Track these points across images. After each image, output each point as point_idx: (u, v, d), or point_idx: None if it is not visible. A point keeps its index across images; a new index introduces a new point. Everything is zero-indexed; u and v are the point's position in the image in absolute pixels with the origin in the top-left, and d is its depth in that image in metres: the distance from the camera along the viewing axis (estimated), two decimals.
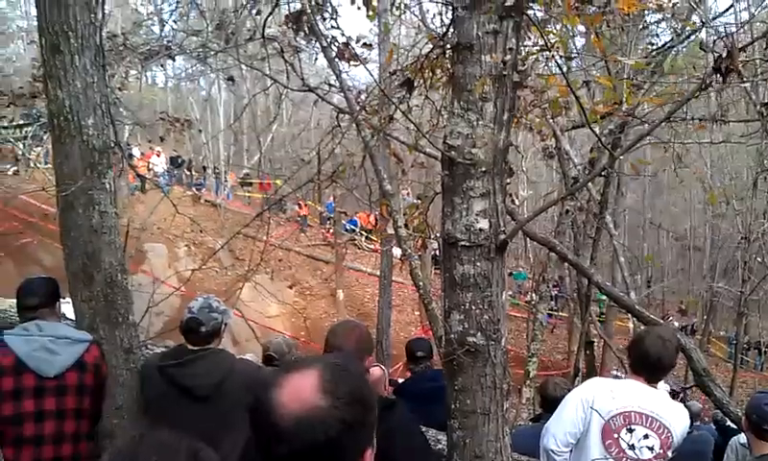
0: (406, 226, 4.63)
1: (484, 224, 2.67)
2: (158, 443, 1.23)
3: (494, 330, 2.74)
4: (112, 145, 3.51)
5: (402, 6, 3.41)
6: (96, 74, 3.34)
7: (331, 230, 28.29)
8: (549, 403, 4.42)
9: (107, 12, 3.70)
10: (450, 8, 2.84)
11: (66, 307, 3.67)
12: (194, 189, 29.04)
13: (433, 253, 20.70)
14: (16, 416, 3.23)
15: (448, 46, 3.07)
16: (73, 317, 3.75)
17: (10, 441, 3.22)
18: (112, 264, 3.50)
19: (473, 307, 2.72)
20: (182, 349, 3.53)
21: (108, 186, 3.46)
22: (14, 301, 4.25)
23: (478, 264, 2.68)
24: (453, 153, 2.62)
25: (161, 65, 8.84)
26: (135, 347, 3.70)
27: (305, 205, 29.59)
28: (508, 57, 2.61)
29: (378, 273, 19.97)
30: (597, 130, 3.99)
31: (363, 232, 29.03)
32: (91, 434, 3.53)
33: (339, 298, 24.78)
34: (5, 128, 8.87)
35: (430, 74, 3.52)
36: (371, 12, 4.18)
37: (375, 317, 20.99)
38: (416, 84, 3.56)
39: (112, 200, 3.51)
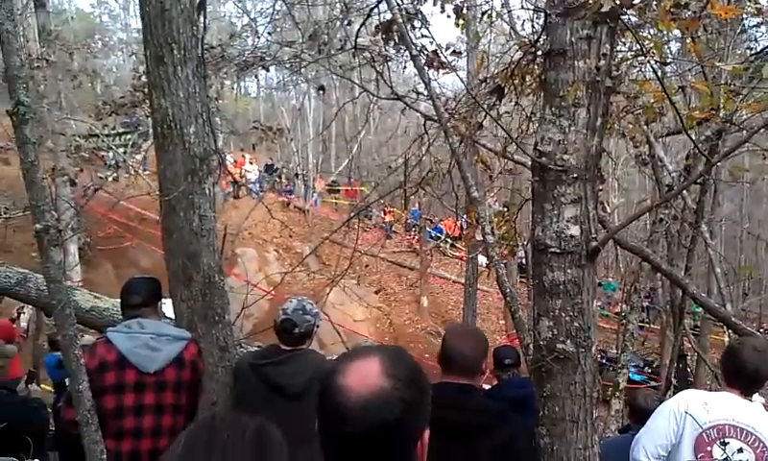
0: (493, 233, 4.63)
1: (575, 230, 2.65)
2: (231, 420, 1.32)
3: (585, 338, 2.72)
4: (212, 152, 3.66)
5: (494, 14, 3.42)
6: (197, 84, 3.48)
7: (417, 237, 28.38)
8: (638, 415, 4.33)
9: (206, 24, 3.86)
10: (543, 14, 2.84)
11: (166, 306, 3.85)
12: (284, 196, 29.73)
13: (519, 261, 20.48)
14: (118, 409, 3.39)
15: (539, 52, 3.07)
16: (172, 315, 3.93)
17: (111, 433, 3.36)
18: (210, 265, 3.65)
19: (563, 314, 2.70)
20: (276, 348, 3.65)
21: (207, 191, 3.61)
22: (116, 300, 4.49)
23: (569, 271, 2.67)
24: (544, 159, 2.62)
25: (255, 76, 9.09)
26: (230, 345, 3.83)
27: (391, 212, 29.81)
28: (602, 62, 2.59)
29: (463, 280, 19.92)
30: (693, 136, 3.88)
31: (448, 240, 28.97)
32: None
33: (423, 304, 24.80)
34: (107, 136, 9.35)
35: (520, 81, 3.51)
36: (461, 21, 4.20)
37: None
38: (506, 91, 3.57)
39: (211, 204, 3.65)
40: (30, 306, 10.34)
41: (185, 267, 3.59)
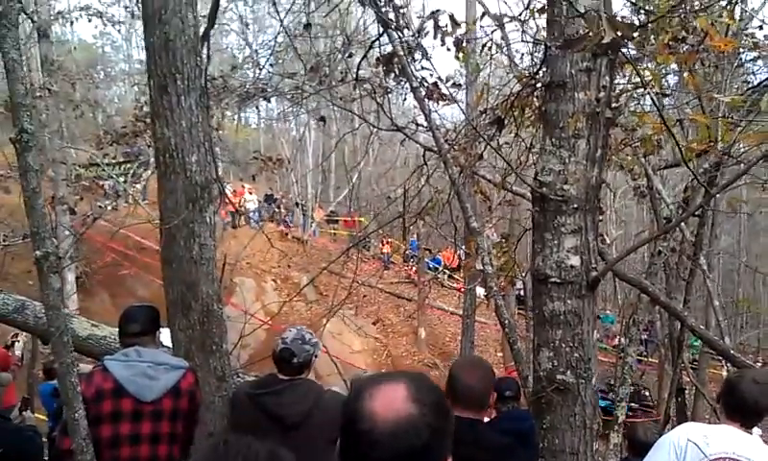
0: (492, 264, 4.64)
1: (575, 260, 2.66)
2: (243, 445, 1.31)
3: (585, 369, 2.71)
4: (213, 181, 3.67)
5: (494, 47, 3.46)
6: (200, 114, 3.51)
7: (414, 268, 28.35)
8: (638, 448, 4.30)
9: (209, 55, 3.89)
10: (543, 46, 2.87)
11: (163, 335, 3.83)
12: (282, 226, 29.76)
13: (517, 292, 20.44)
14: (114, 438, 3.35)
15: (539, 84, 3.10)
16: (170, 344, 3.91)
17: None
18: (209, 294, 3.64)
19: (563, 345, 2.70)
20: (274, 378, 3.62)
21: (208, 220, 3.62)
22: (114, 328, 4.47)
23: (569, 301, 2.67)
24: (545, 189, 2.63)
25: (256, 107, 9.16)
26: (228, 375, 3.82)
27: (389, 242, 29.82)
28: (601, 94, 2.62)
29: (461, 312, 19.86)
30: (692, 168, 3.91)
31: (446, 271, 28.94)
32: (183, 459, 3.65)
33: (421, 336, 24.69)
34: (108, 165, 9.39)
35: (520, 112, 3.54)
36: (461, 54, 4.24)
37: (456, 356, 20.82)
38: (506, 123, 3.59)
39: (212, 233, 3.66)
40: (23, 334, 10.31)
41: (184, 295, 3.59)
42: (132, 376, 3.37)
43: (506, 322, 4.29)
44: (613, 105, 2.81)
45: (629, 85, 3.48)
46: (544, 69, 2.90)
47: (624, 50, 2.89)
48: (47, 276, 2.89)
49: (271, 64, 7.55)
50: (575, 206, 2.61)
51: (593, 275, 2.63)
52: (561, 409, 2.74)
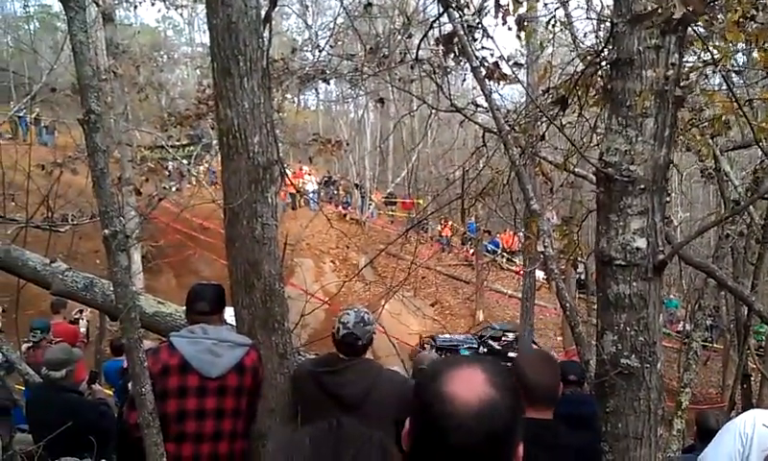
0: (552, 246, 4.57)
1: (641, 243, 2.60)
2: (356, 430, 1.29)
3: (650, 353, 2.65)
4: (275, 162, 3.70)
5: (558, 24, 3.38)
6: (262, 95, 3.54)
7: (472, 251, 28.21)
8: (706, 435, 4.20)
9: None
10: (608, 23, 2.80)
11: (226, 312, 3.90)
12: (340, 207, 29.95)
13: (577, 276, 20.15)
14: (180, 413, 3.44)
15: (603, 62, 3.02)
16: (232, 322, 3.97)
17: (172, 437, 3.41)
18: (271, 273, 3.68)
19: (628, 329, 2.64)
20: (335, 357, 3.65)
21: (270, 200, 3.65)
22: (179, 306, 4.58)
23: (634, 284, 2.61)
24: (610, 169, 2.57)
25: (315, 89, 9.21)
26: (289, 353, 3.86)
27: (447, 225, 29.70)
28: (670, 72, 2.53)
29: (519, 295, 19.64)
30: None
31: (505, 254, 28.70)
32: (246, 434, 3.72)
33: (479, 318, 24.61)
34: (173, 147, 9.58)
35: (584, 91, 3.46)
36: (523, 33, 4.17)
37: (516, 339, 20.65)
38: (569, 102, 3.52)
39: (273, 213, 3.69)
40: (87, 311, 10.63)
41: (247, 274, 3.64)
42: (198, 353, 3.44)
43: (567, 305, 4.23)
44: (682, 83, 2.72)
45: (698, 63, 3.36)
46: (610, 46, 2.82)
47: (693, 27, 2.79)
48: (115, 253, 2.97)
49: (330, 46, 7.58)
50: (642, 186, 2.54)
51: (660, 257, 2.57)
52: (625, 394, 2.69)
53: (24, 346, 8.33)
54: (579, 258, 4.76)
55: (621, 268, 2.61)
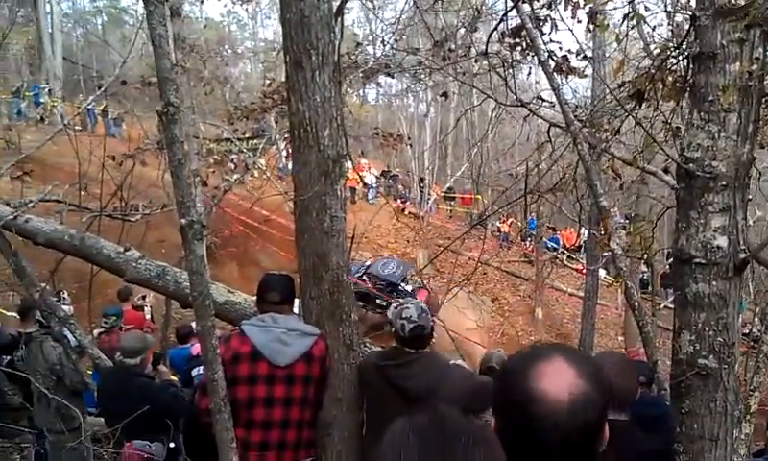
0: (620, 245, 4.48)
1: (722, 241, 2.53)
2: (459, 425, 1.25)
3: (728, 354, 2.59)
4: (344, 155, 3.74)
5: (635, 18, 3.31)
6: (333, 89, 3.57)
7: (532, 247, 27.86)
8: None
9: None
10: (688, 17, 2.73)
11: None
12: (399, 201, 29.97)
13: (641, 275, 19.72)
14: (250, 400, 3.52)
15: (681, 56, 2.96)
16: (296, 311, 4.02)
17: (242, 423, 3.50)
18: (339, 265, 3.72)
19: (706, 328, 2.58)
20: (400, 350, 3.67)
21: (339, 193, 3.69)
22: (248, 295, 4.66)
23: (714, 283, 2.55)
24: (692, 165, 2.51)
25: (378, 83, 9.23)
26: (355, 344, 3.90)
27: (507, 222, 29.40)
28: (754, 66, 2.46)
29: (580, 293, 19.27)
30: None
31: (565, 251, 28.27)
32: (313, 422, 3.78)
33: (538, 316, 24.31)
34: (239, 140, 9.72)
35: (661, 85, 3.38)
36: (595, 26, 4.10)
37: (574, 339, 20.34)
38: (645, 96, 3.45)
39: (342, 205, 3.73)
40: (150, 297, 10.91)
41: (316, 266, 3.68)
42: (268, 341, 3.51)
43: (636, 304, 4.16)
44: (767, 78, 2.63)
45: None
46: (690, 40, 2.76)
47: None
48: (191, 242, 3.03)
49: (395, 40, 7.58)
50: (724, 183, 2.47)
51: (742, 256, 2.50)
52: (701, 394, 2.63)
53: (95, 331, 8.60)
54: (648, 257, 4.65)
55: (701, 266, 2.55)
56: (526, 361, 1.38)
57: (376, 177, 30.35)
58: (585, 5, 4.41)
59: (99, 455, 5.81)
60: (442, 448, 1.16)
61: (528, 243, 29.47)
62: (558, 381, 1.30)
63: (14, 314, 8.08)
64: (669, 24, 4.58)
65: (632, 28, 3.66)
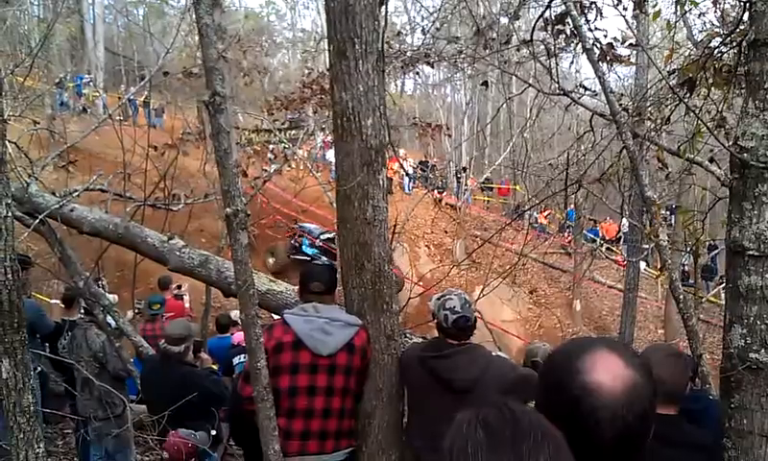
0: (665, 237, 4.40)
1: None
2: (528, 421, 1.24)
3: None
4: (386, 144, 3.72)
5: (688, 4, 3.23)
6: (376, 78, 3.54)
7: (570, 239, 27.55)
8: None
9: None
10: (744, 3, 2.66)
11: None
12: (435, 192, 29.85)
13: (682, 267, 19.37)
14: (292, 389, 3.55)
15: (734, 43, 2.88)
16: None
17: (284, 411, 3.54)
18: (381, 255, 3.71)
19: (758, 322, 2.52)
20: (443, 342, 3.66)
21: (381, 183, 3.67)
22: (289, 285, 4.69)
23: (767, 275, 2.48)
24: (746, 155, 2.45)
25: (417, 72, 9.19)
26: (397, 334, 3.89)
27: (544, 214, 29.11)
28: None
29: (619, 286, 18.99)
30: None
31: (604, 242, 27.90)
32: (353, 412, 3.79)
33: (576, 308, 24.08)
34: (279, 130, 9.81)
35: (712, 73, 3.31)
36: (646, 12, 4.02)
37: (613, 331, 20.10)
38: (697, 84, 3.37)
39: (384, 195, 3.71)
40: (186, 286, 11.05)
41: (358, 255, 3.68)
42: (311, 331, 3.53)
43: (681, 297, 4.09)
44: None
45: None
46: (743, 27, 2.69)
47: None
48: (236, 231, 3.06)
49: (437, 28, 7.53)
50: None
51: None
52: (752, 389, 2.57)
53: (129, 312, 8.70)
54: (697, 249, 4.56)
55: (754, 259, 2.48)
56: (571, 355, 1.37)
57: (413, 167, 30.26)
58: None
59: (143, 442, 5.92)
60: (510, 442, 1.13)
61: (566, 234, 29.15)
62: (610, 373, 1.29)
63: (57, 301, 8.26)
64: (716, 11, 4.48)
65: (683, 14, 3.58)
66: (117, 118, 10.09)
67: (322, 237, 18.69)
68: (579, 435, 1.27)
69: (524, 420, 1.18)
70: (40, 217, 5.10)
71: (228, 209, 3.03)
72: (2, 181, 3.10)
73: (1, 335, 3.10)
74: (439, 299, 3.68)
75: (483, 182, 32.19)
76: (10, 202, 3.14)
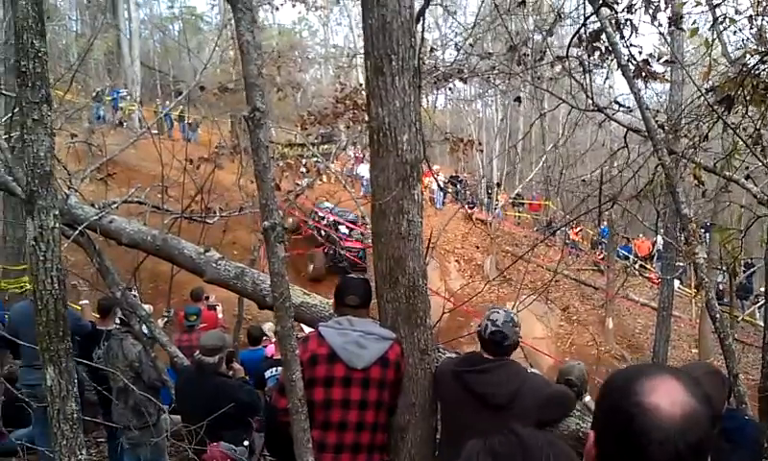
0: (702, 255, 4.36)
1: None
2: (537, 443, 1.23)
3: None
4: (422, 160, 3.75)
5: (727, 21, 3.21)
6: (412, 94, 3.58)
7: (602, 256, 27.28)
8: None
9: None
10: None
11: None
12: (466, 207, 29.82)
13: (716, 285, 19.07)
14: (326, 402, 3.57)
15: None
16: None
17: (318, 424, 3.55)
18: (415, 269, 3.73)
19: None
20: (478, 356, 3.66)
21: (416, 198, 3.69)
22: (323, 298, 4.73)
23: None
24: None
25: (449, 88, 9.23)
26: (430, 349, 3.90)
27: (575, 230, 28.88)
28: None
29: (652, 304, 18.68)
30: None
31: (638, 259, 27.56)
32: (387, 426, 3.80)
33: (608, 326, 23.75)
34: (313, 145, 9.89)
35: (751, 89, 3.28)
36: (683, 28, 4.01)
37: (647, 350, 19.80)
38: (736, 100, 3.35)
39: (419, 210, 3.74)
40: (214, 296, 11.16)
41: (392, 269, 3.70)
42: (345, 344, 3.56)
43: (717, 316, 4.04)
44: None
45: None
46: None
47: None
48: (273, 245, 3.11)
49: (471, 45, 7.56)
50: None
51: None
52: None
53: (160, 321, 8.80)
54: (734, 267, 4.50)
55: None
56: (631, 377, 1.35)
57: (444, 182, 30.28)
58: (666, 8, 4.32)
59: (178, 452, 5.99)
60: None
61: (599, 251, 28.88)
62: (670, 398, 1.27)
63: (86, 302, 8.42)
64: (752, 27, 4.44)
65: (721, 32, 3.56)
66: (153, 132, 10.27)
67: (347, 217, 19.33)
68: (628, 456, 1.27)
69: (533, 443, 1.17)
70: (81, 227, 5.18)
71: (265, 223, 3.08)
72: (50, 193, 3.19)
73: (47, 344, 3.18)
74: (489, 310, 3.70)
75: (514, 198, 32.09)
76: (57, 213, 3.22)
